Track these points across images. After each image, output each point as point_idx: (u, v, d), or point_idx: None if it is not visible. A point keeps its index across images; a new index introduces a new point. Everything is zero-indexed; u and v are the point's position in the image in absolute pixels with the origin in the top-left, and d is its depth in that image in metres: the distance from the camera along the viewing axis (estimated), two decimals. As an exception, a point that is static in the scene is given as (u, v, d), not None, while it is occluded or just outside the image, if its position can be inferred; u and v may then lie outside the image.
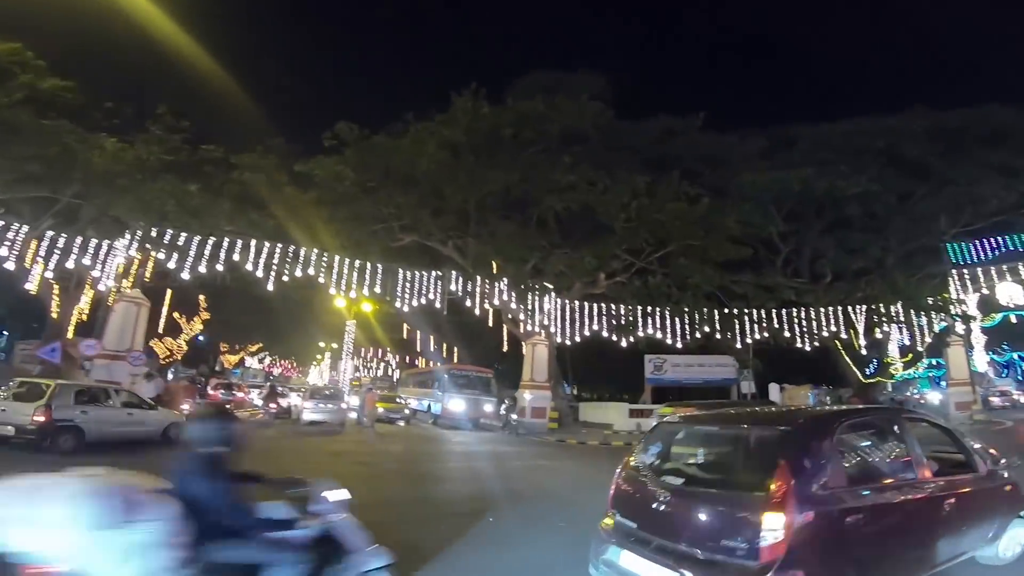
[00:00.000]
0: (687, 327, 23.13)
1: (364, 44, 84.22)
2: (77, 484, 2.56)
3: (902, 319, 22.89)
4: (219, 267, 18.97)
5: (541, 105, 21.94)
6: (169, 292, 27.16)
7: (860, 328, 23.23)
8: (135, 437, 11.90)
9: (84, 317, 22.21)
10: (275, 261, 19.19)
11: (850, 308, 23.18)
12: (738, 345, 24.23)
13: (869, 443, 4.40)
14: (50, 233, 17.72)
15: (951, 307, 22.74)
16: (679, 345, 23.81)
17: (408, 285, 21.16)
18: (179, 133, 19.49)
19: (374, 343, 46.84)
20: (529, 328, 23.46)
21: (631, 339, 23.65)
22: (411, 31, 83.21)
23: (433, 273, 21.72)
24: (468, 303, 22.25)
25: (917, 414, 5.49)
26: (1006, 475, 4.90)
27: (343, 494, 3.42)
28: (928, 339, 23.67)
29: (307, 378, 68.89)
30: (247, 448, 3.34)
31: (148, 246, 18.31)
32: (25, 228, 17.48)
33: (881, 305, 22.66)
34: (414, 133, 21.59)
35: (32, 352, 20.90)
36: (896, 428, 4.40)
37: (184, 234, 18.25)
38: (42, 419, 10.17)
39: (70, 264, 17.84)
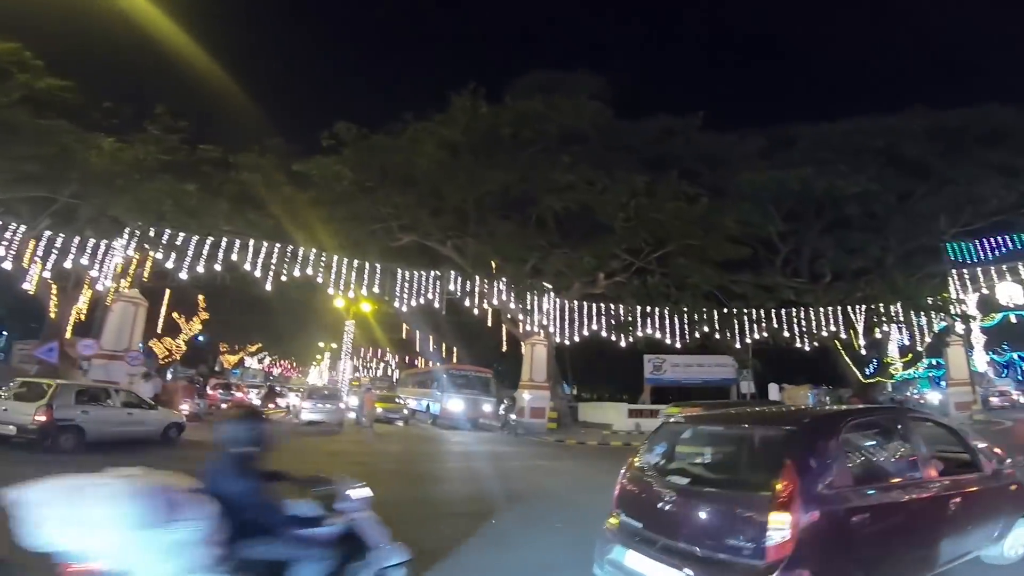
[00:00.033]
0: (686, 327, 23.11)
1: (363, 44, 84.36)
2: (119, 485, 2.63)
3: (902, 319, 22.85)
4: (217, 267, 18.97)
5: (540, 105, 21.90)
6: (168, 292, 27.13)
7: (860, 328, 23.18)
8: (135, 437, 11.95)
9: (82, 317, 22.13)
10: (274, 261, 19.20)
11: (850, 308, 23.13)
12: (737, 345, 24.22)
13: (874, 443, 4.38)
14: (48, 233, 17.71)
15: (951, 307, 22.71)
16: (678, 345, 23.76)
17: (407, 285, 21.15)
18: (177, 133, 19.44)
19: (373, 343, 46.80)
20: (528, 328, 23.44)
21: (630, 339, 23.58)
22: (410, 31, 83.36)
23: (432, 273, 21.70)
24: (467, 303, 22.24)
25: (921, 414, 5.48)
26: (1011, 474, 4.89)
27: (366, 492, 3.57)
28: (928, 339, 23.65)
29: (307, 378, 68.79)
30: (276, 448, 3.44)
31: (146, 246, 18.28)
32: (23, 228, 17.47)
33: (881, 305, 22.63)
34: (413, 133, 21.55)
35: (30, 352, 20.87)
36: (901, 428, 4.40)
37: (182, 234, 18.25)
38: (43, 419, 10.18)
39: (68, 264, 17.84)
